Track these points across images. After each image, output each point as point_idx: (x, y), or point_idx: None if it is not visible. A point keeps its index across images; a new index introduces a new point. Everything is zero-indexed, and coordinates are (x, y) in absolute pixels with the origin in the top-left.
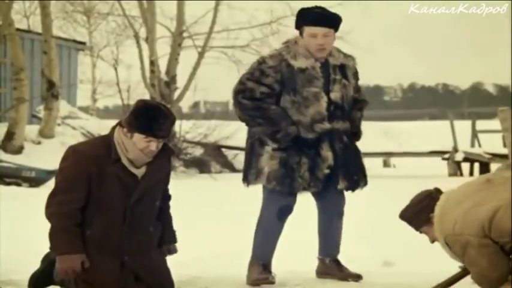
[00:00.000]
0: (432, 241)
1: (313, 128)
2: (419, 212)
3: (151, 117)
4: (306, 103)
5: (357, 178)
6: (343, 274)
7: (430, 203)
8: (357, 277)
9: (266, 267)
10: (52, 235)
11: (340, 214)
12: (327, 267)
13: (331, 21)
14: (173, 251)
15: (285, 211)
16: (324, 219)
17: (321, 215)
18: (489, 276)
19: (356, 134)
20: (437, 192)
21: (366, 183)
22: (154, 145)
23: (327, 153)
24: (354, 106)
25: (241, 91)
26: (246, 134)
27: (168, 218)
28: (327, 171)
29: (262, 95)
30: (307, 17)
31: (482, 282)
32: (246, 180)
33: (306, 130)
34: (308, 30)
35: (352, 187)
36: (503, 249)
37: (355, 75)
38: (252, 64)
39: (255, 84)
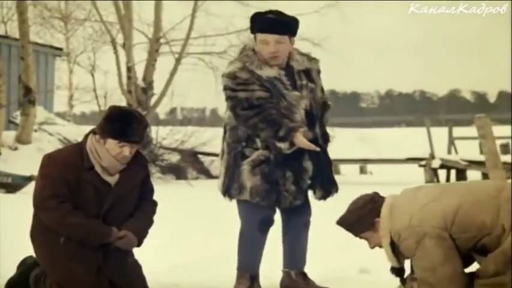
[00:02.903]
0: (373, 246)
1: None
2: (364, 217)
3: (124, 122)
4: (292, 108)
5: (329, 186)
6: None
7: (374, 207)
8: None
9: (254, 278)
10: (81, 233)
11: (307, 224)
12: (292, 281)
13: (284, 27)
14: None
15: (265, 223)
16: (291, 230)
17: (287, 226)
18: (439, 272)
19: (327, 139)
20: (378, 196)
21: (336, 190)
22: (127, 150)
23: (308, 163)
24: (324, 110)
25: (237, 105)
26: (226, 146)
27: (141, 213)
28: (308, 181)
29: (260, 100)
30: (258, 24)
31: (429, 278)
32: (229, 194)
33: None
34: (259, 37)
35: (325, 196)
36: (458, 249)
37: (319, 75)
38: (225, 81)
39: (246, 93)
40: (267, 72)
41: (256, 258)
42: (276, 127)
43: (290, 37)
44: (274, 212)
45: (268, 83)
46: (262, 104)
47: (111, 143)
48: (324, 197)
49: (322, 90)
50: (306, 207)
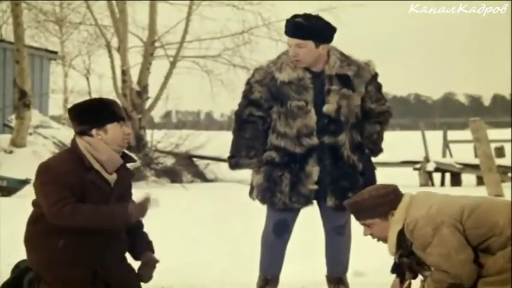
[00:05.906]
0: (368, 234)
1: (301, 141)
2: (382, 205)
3: (107, 105)
4: (292, 115)
5: (343, 198)
6: None
7: (395, 199)
8: None
9: (269, 281)
10: (99, 220)
11: (338, 229)
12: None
13: (304, 32)
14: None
15: (280, 227)
16: (324, 236)
17: (324, 232)
18: (454, 258)
19: (371, 150)
20: (398, 190)
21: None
22: (127, 129)
23: (312, 169)
24: (369, 119)
25: (237, 110)
26: None
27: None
28: (313, 187)
29: (250, 117)
30: (285, 26)
31: (443, 264)
32: (250, 195)
33: (292, 143)
34: (287, 39)
35: (340, 207)
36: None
37: (370, 83)
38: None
39: (244, 101)
40: (283, 76)
41: (270, 262)
42: (250, 150)
43: (317, 43)
44: (293, 216)
45: (279, 87)
46: (248, 121)
47: (114, 128)
48: (338, 207)
49: (374, 99)
50: (334, 214)
